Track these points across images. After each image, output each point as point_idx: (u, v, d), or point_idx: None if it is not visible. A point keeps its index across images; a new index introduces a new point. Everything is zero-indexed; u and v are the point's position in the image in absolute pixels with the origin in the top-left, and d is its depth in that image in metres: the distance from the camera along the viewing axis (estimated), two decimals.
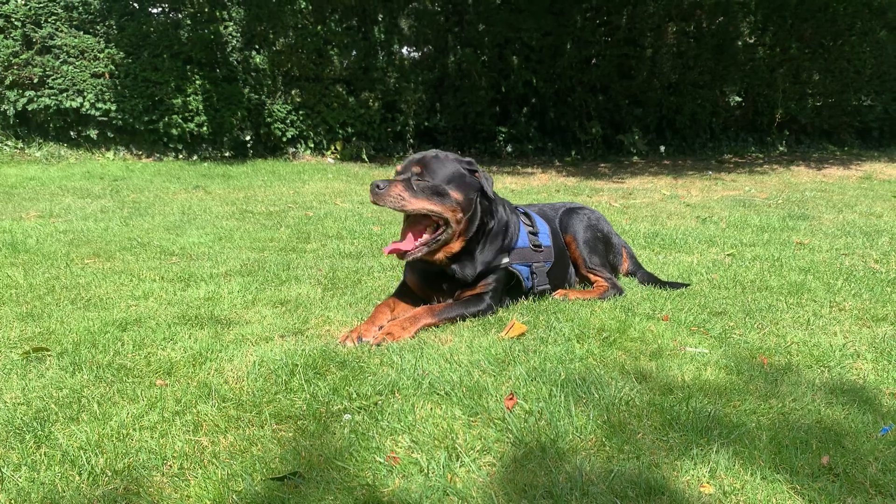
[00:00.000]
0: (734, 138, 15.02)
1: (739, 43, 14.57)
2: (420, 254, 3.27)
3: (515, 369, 2.68)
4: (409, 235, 3.30)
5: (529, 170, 11.86)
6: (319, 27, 12.55)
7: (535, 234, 3.61)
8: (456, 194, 3.25)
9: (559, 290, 3.71)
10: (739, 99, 14.88)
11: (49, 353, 2.82)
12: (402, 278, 3.68)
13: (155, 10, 12.05)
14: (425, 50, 13.41)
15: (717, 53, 14.36)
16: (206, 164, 11.47)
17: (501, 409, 2.33)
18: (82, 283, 3.90)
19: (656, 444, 2.15)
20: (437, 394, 2.46)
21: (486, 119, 13.57)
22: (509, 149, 13.71)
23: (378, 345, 2.95)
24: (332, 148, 12.97)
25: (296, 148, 12.89)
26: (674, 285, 3.93)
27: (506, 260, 3.44)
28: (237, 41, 12.22)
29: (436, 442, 2.13)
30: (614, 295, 3.72)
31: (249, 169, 10.86)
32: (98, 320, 3.22)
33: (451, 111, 13.39)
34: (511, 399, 2.38)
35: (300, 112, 12.68)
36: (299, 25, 12.45)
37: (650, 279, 4.06)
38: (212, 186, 8.71)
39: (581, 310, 3.44)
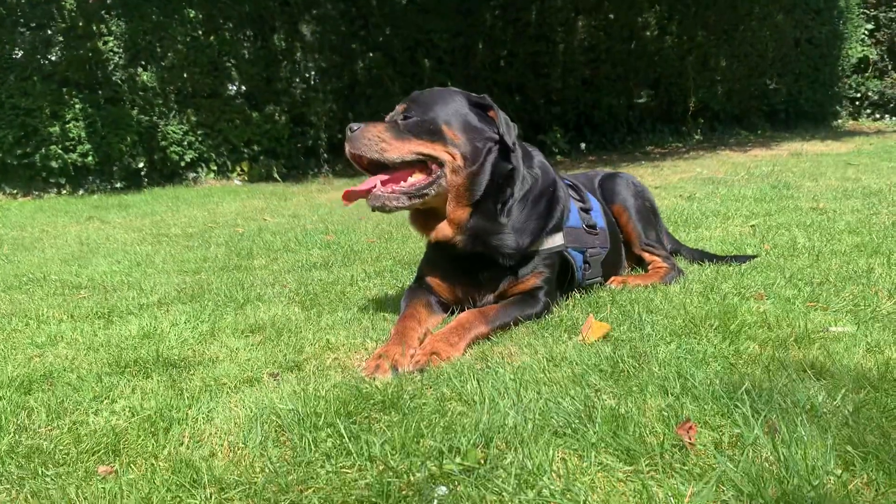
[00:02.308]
0: (651, 130, 14.80)
1: (648, 33, 14.41)
2: (397, 203, 2.33)
3: (642, 382, 1.83)
4: (382, 177, 2.40)
5: None
6: (212, 37, 11.35)
7: (586, 210, 2.76)
8: (454, 133, 2.36)
9: (615, 278, 2.89)
10: (652, 92, 14.71)
11: None
12: (409, 283, 2.77)
13: (21, 29, 10.51)
14: (331, 57, 12.43)
15: (627, 45, 14.14)
16: (95, 196, 10.04)
17: (680, 446, 1.47)
18: None
19: None
20: (561, 435, 1.58)
21: None
22: None
23: (422, 371, 2.04)
24: (238, 169, 11.73)
25: (197, 172, 11.55)
26: (740, 259, 3.19)
27: (559, 240, 2.57)
28: (120, 58, 10.82)
29: None
30: (677, 277, 2.95)
31: (148, 197, 9.53)
32: None
33: (364, 120, 12.39)
34: (689, 427, 1.53)
35: (198, 132, 11.37)
36: (189, 37, 11.21)
37: (703, 256, 3.32)
38: (108, 216, 7.42)
39: (655, 298, 2.64)
